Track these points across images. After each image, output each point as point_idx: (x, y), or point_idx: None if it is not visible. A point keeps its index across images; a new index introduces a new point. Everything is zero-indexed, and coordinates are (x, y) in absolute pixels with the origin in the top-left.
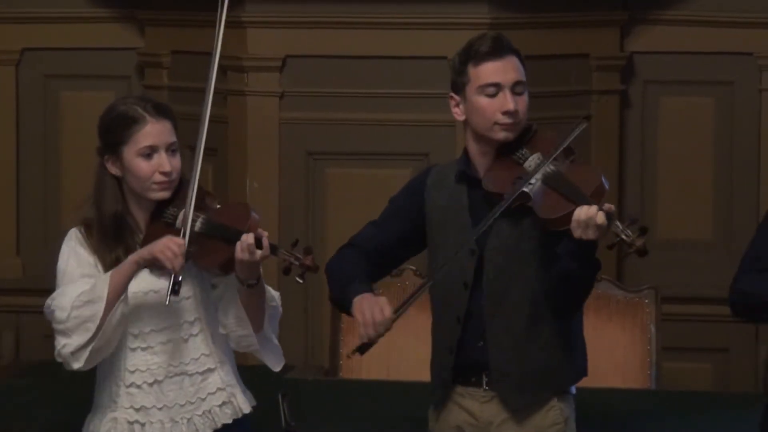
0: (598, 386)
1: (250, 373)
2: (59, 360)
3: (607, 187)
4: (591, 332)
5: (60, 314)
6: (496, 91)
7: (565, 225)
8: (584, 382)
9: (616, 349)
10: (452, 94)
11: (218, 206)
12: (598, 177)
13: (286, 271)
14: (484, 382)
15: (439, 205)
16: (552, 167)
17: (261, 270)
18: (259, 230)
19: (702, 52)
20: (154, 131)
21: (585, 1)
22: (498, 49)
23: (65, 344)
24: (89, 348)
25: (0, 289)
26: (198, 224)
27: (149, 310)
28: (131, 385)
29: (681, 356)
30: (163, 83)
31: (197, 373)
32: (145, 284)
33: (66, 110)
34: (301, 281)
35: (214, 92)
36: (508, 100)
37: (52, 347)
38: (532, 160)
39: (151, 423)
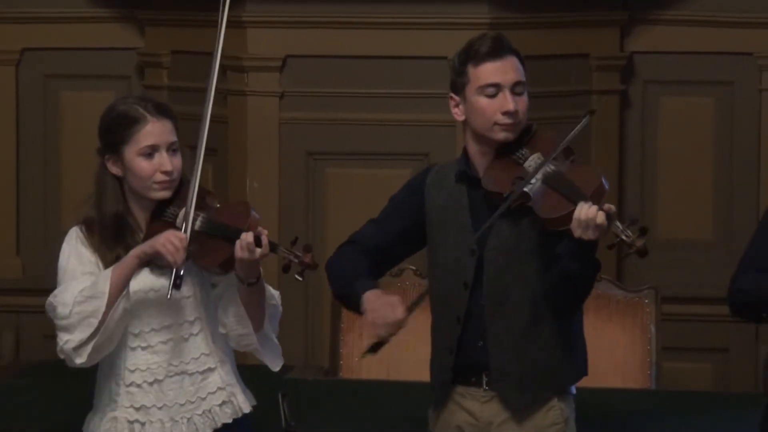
0: (598, 386)
1: (250, 372)
2: (62, 356)
3: (607, 187)
4: (591, 332)
5: (62, 310)
6: (495, 92)
7: (565, 225)
8: (584, 382)
9: (616, 349)
10: (452, 95)
11: (218, 205)
12: (598, 177)
13: (286, 268)
14: (484, 382)
15: (439, 205)
16: (552, 167)
17: (261, 269)
18: (259, 228)
19: (702, 52)
20: (154, 131)
21: (585, 1)
22: (498, 50)
23: (68, 340)
24: (92, 343)
25: (0, 289)
26: (198, 223)
27: (150, 309)
28: (131, 384)
29: (681, 356)
30: (163, 83)
31: (197, 372)
32: (146, 283)
33: (66, 110)
34: (300, 279)
35: (215, 92)
36: (507, 101)
37: (52, 347)
38: (532, 160)
39: (151, 422)
